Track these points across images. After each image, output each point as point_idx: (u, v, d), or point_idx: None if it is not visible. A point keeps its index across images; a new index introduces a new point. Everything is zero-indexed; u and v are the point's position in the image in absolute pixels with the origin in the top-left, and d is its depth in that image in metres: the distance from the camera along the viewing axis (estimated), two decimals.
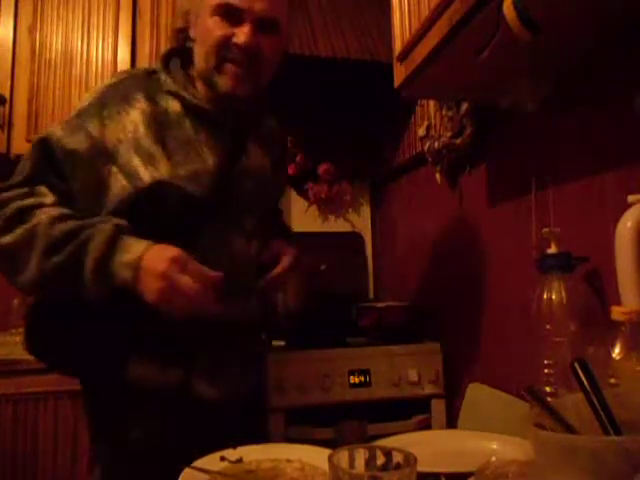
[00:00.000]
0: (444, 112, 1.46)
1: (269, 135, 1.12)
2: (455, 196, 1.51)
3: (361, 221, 2.30)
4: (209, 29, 0.93)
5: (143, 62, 1.92)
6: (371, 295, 2.24)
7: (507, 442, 0.85)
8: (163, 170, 0.90)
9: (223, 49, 0.93)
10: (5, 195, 0.87)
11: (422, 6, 1.00)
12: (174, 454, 0.77)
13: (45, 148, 0.90)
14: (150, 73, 0.99)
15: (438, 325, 1.61)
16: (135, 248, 0.81)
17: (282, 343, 1.51)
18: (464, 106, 1.35)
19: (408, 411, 1.44)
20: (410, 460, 0.53)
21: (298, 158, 2.10)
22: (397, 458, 0.54)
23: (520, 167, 1.18)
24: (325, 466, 0.56)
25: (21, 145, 1.82)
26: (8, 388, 1.53)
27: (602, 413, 0.51)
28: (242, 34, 0.92)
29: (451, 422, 1.41)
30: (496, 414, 1.12)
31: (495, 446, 0.85)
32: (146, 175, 0.89)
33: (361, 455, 0.56)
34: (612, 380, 0.62)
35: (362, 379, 1.43)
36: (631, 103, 0.83)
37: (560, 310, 0.83)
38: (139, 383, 0.91)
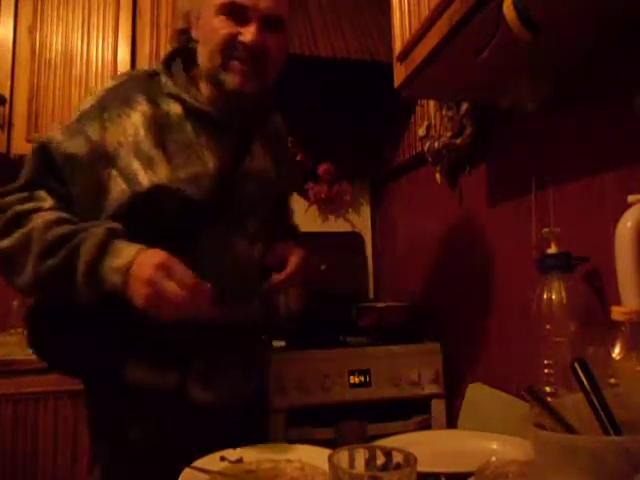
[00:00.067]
0: (444, 112, 1.46)
1: (274, 134, 1.11)
2: (455, 196, 1.52)
3: (361, 221, 2.30)
4: (214, 28, 0.93)
5: (143, 62, 1.92)
6: (371, 295, 2.24)
7: (507, 442, 0.85)
8: (162, 174, 0.90)
9: (229, 48, 0.92)
10: (5, 200, 0.88)
11: (422, 6, 1.00)
12: (174, 454, 0.77)
13: (45, 153, 0.90)
14: (151, 75, 0.99)
15: (438, 325, 1.61)
16: (126, 253, 0.80)
17: (282, 343, 1.51)
18: (464, 106, 1.35)
19: (408, 411, 1.44)
20: (410, 460, 0.53)
21: (298, 158, 2.10)
22: (397, 458, 0.54)
23: (520, 167, 1.18)
24: (325, 466, 0.56)
25: (21, 145, 1.82)
26: (8, 388, 1.53)
27: (602, 413, 0.51)
28: (249, 33, 0.91)
29: (451, 422, 1.41)
30: (496, 414, 1.12)
31: (495, 446, 0.85)
32: (145, 179, 0.89)
33: (361, 455, 0.56)
34: (612, 380, 0.62)
35: (362, 379, 1.43)
36: (631, 103, 0.83)
37: (560, 310, 0.83)
38: (137, 384, 0.91)
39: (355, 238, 2.25)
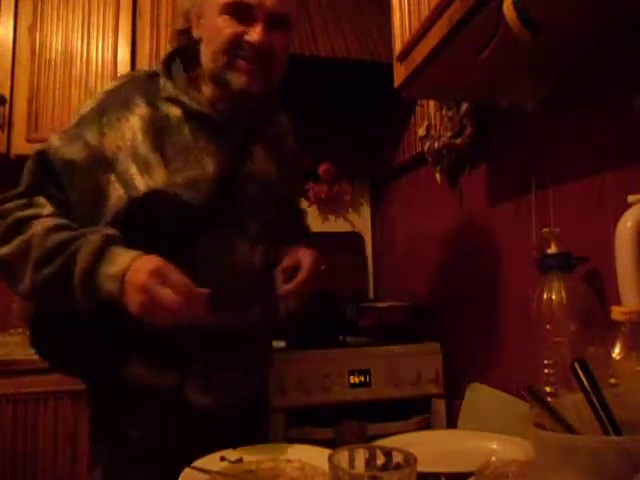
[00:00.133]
0: (444, 112, 1.46)
1: (277, 135, 1.09)
2: (455, 196, 1.51)
3: (361, 221, 2.30)
4: (218, 28, 0.91)
5: (143, 62, 1.92)
6: (371, 295, 2.24)
7: (507, 442, 0.85)
8: (159, 178, 0.89)
9: (234, 47, 0.91)
10: (5, 206, 0.88)
11: (422, 6, 1.00)
12: (174, 454, 0.77)
13: (43, 159, 0.90)
14: (152, 76, 0.97)
15: (438, 325, 1.61)
16: (121, 259, 0.80)
17: (282, 344, 1.51)
18: (464, 106, 1.35)
19: (408, 411, 1.44)
20: (410, 460, 0.53)
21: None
22: (397, 458, 0.54)
23: (520, 167, 1.18)
24: (325, 466, 0.56)
25: (21, 145, 1.82)
26: (8, 388, 1.53)
27: (602, 413, 0.51)
28: (255, 32, 0.90)
29: (451, 422, 1.41)
30: (496, 414, 1.12)
31: (495, 446, 0.85)
32: (141, 184, 0.88)
33: (361, 455, 0.56)
34: (612, 380, 0.62)
35: (362, 379, 1.43)
36: (631, 103, 0.83)
37: (560, 310, 0.83)
38: (137, 384, 0.91)
39: (355, 238, 2.25)
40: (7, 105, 1.82)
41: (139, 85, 0.95)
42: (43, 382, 1.51)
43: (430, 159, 1.54)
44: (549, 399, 0.60)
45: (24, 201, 0.88)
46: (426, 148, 1.53)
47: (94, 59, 1.92)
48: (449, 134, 1.42)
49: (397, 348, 1.49)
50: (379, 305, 1.72)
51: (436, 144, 1.47)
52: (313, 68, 1.69)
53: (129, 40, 1.94)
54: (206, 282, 0.89)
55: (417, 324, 1.62)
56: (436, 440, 0.92)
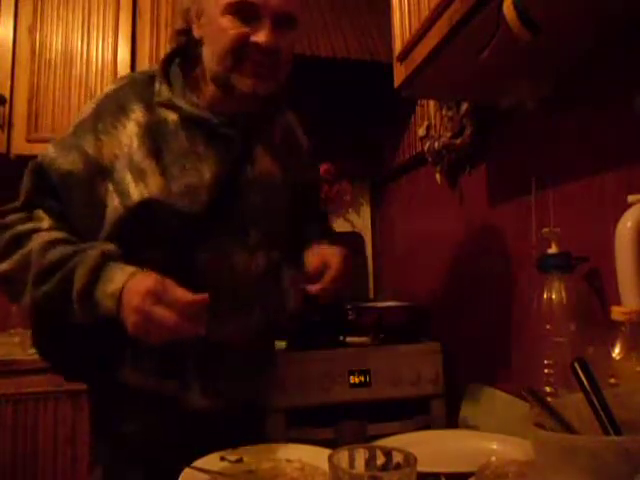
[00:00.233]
0: (444, 112, 1.46)
1: (283, 136, 1.06)
2: (455, 196, 1.51)
3: (361, 221, 2.30)
4: (222, 28, 0.87)
5: (143, 62, 1.92)
6: (371, 295, 2.24)
7: (507, 442, 0.85)
8: (154, 187, 0.87)
9: (240, 49, 0.87)
10: (5, 220, 0.87)
11: (422, 6, 1.00)
12: (174, 454, 0.77)
13: (39, 171, 0.89)
14: (152, 78, 0.95)
15: (438, 325, 1.61)
16: (119, 277, 0.79)
17: (282, 344, 1.51)
18: (464, 106, 1.35)
19: (408, 411, 1.44)
20: (410, 460, 0.53)
21: None
22: (397, 458, 0.54)
23: (520, 167, 1.18)
24: (325, 466, 0.56)
25: (21, 145, 1.83)
26: (8, 388, 1.53)
27: (602, 413, 0.51)
28: (262, 33, 0.86)
29: (451, 422, 1.41)
30: (496, 414, 1.12)
31: (495, 446, 0.85)
32: (135, 193, 0.86)
33: (361, 455, 0.56)
34: (612, 380, 0.62)
35: (362, 379, 1.43)
36: (631, 103, 0.83)
37: (560, 310, 0.83)
38: (136, 388, 0.91)
39: (355, 238, 2.25)
40: (7, 105, 1.82)
41: (137, 89, 0.93)
42: (43, 382, 1.51)
43: (430, 159, 1.54)
44: (549, 399, 0.60)
45: (23, 215, 0.88)
46: (426, 148, 1.53)
47: (94, 59, 1.92)
48: (449, 134, 1.42)
49: (397, 348, 1.48)
50: (379, 305, 1.72)
51: (436, 144, 1.47)
52: (313, 68, 1.69)
53: (129, 40, 1.94)
54: (204, 289, 0.89)
55: (417, 324, 1.62)
56: (436, 440, 0.92)
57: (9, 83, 1.84)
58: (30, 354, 1.41)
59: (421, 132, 1.64)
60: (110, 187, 0.87)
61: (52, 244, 0.83)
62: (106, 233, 0.87)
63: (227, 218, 0.93)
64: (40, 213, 0.88)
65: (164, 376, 0.91)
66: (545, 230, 0.91)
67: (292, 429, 1.36)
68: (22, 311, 0.89)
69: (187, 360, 0.92)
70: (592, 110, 0.95)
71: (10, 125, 1.83)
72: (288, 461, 0.79)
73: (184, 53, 0.97)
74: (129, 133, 0.88)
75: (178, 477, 0.73)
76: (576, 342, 0.79)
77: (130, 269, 0.80)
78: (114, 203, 0.87)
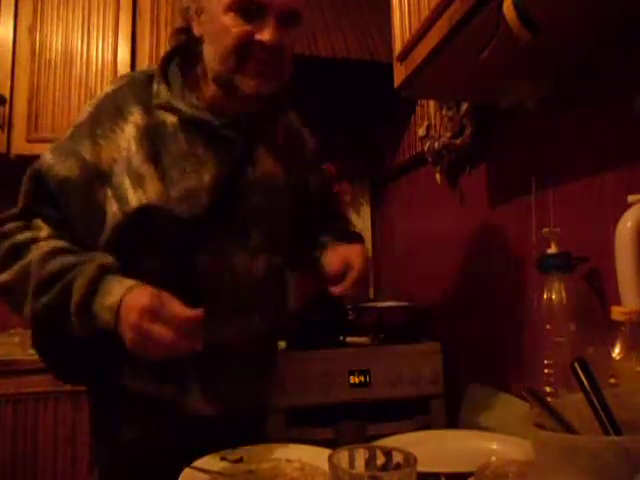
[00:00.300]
0: (444, 112, 1.46)
1: (285, 136, 1.04)
2: (455, 196, 1.51)
3: (361, 221, 2.30)
4: (225, 27, 0.85)
5: (143, 62, 1.92)
6: (371, 295, 2.24)
7: (507, 442, 0.85)
8: (152, 192, 0.85)
9: (244, 48, 0.85)
10: (3, 228, 0.86)
11: (422, 6, 1.00)
12: (173, 455, 0.77)
13: (37, 178, 0.88)
14: (151, 77, 0.93)
15: (438, 325, 1.61)
16: (117, 290, 0.78)
17: (283, 344, 1.51)
18: (464, 106, 1.35)
19: (408, 411, 1.44)
20: (410, 460, 0.53)
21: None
22: (397, 458, 0.54)
23: (520, 167, 1.18)
24: (325, 466, 0.56)
25: (21, 145, 1.83)
26: (8, 388, 1.53)
27: (602, 413, 0.51)
28: (267, 32, 0.84)
29: (451, 422, 1.41)
30: (496, 414, 1.12)
31: (495, 446, 0.85)
32: (134, 199, 0.85)
33: (361, 455, 0.56)
34: (612, 380, 0.62)
35: (362, 379, 1.43)
36: (631, 103, 0.83)
37: (560, 310, 0.83)
38: (135, 393, 0.91)
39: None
40: (7, 105, 1.82)
41: (135, 90, 0.91)
42: (43, 382, 1.51)
43: (430, 159, 1.54)
44: (549, 399, 0.60)
45: (21, 223, 0.87)
46: (426, 148, 1.53)
47: (94, 59, 1.92)
48: (449, 134, 1.42)
49: (397, 348, 1.49)
50: (379, 305, 1.72)
51: (436, 144, 1.47)
52: (313, 68, 1.69)
53: (129, 40, 1.95)
54: (204, 292, 0.89)
55: (417, 324, 1.62)
56: (436, 440, 0.92)
57: (9, 83, 1.84)
58: (30, 354, 1.41)
59: (421, 132, 1.64)
60: (109, 192, 0.86)
61: (51, 255, 0.82)
62: (106, 238, 0.86)
63: (228, 220, 0.91)
64: (38, 222, 0.87)
65: (163, 380, 0.90)
66: (545, 230, 0.91)
67: (292, 429, 1.36)
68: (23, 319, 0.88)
69: (186, 364, 0.91)
70: (592, 110, 0.95)
71: (10, 125, 1.83)
72: (288, 461, 0.79)
73: (184, 52, 0.95)
74: (127, 136, 0.87)
75: (178, 477, 0.73)
76: (576, 342, 0.79)
77: (128, 282, 0.79)
78: (113, 209, 0.86)
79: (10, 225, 0.87)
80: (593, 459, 0.43)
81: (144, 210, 0.85)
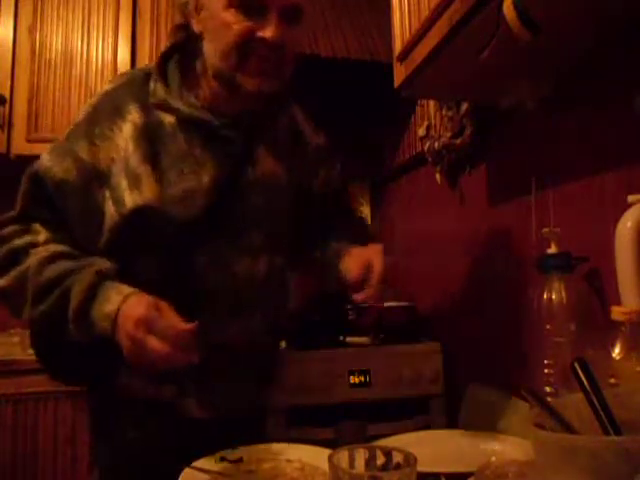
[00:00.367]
0: (444, 112, 1.46)
1: (288, 134, 1.02)
2: (455, 196, 1.51)
3: None
4: (226, 23, 0.83)
5: (143, 62, 1.92)
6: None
7: (507, 442, 0.85)
8: (149, 193, 0.84)
9: (245, 45, 0.83)
10: (2, 232, 0.86)
11: (422, 6, 1.00)
12: (173, 455, 0.77)
13: (34, 181, 0.87)
14: (149, 75, 0.91)
15: (438, 325, 1.61)
16: (115, 298, 0.77)
17: (283, 344, 1.51)
18: (464, 106, 1.35)
19: (408, 411, 1.44)
20: (410, 460, 0.53)
21: None
22: (397, 458, 0.54)
23: (520, 167, 1.18)
24: (325, 466, 0.56)
25: (21, 145, 1.83)
26: (8, 388, 1.53)
27: (602, 413, 0.51)
28: (269, 28, 0.82)
29: (451, 422, 1.41)
30: (496, 414, 1.12)
31: (495, 446, 0.85)
32: (129, 201, 0.84)
33: (361, 455, 0.56)
34: (612, 380, 0.62)
35: (362, 379, 1.43)
36: (631, 103, 0.83)
37: (560, 310, 0.83)
38: (133, 395, 0.90)
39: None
40: (7, 105, 1.82)
41: (133, 88, 0.90)
42: (43, 382, 1.51)
43: (430, 159, 1.54)
44: (549, 399, 0.60)
45: (20, 227, 0.86)
46: (426, 148, 1.53)
47: (94, 59, 1.92)
48: (449, 134, 1.42)
49: (397, 348, 1.49)
50: (379, 305, 1.72)
51: (436, 144, 1.47)
52: (313, 68, 1.69)
53: (129, 40, 1.95)
54: (203, 293, 0.89)
55: (417, 324, 1.62)
56: (436, 440, 0.92)
57: (9, 83, 1.84)
58: (30, 354, 1.41)
59: (421, 132, 1.64)
60: (107, 194, 0.85)
61: (49, 260, 0.82)
62: (105, 239, 0.86)
63: (227, 221, 0.90)
64: (36, 226, 0.86)
65: (162, 382, 0.90)
66: (545, 230, 0.91)
67: (292, 429, 1.36)
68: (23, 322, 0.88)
69: (185, 367, 0.88)
70: (592, 110, 0.95)
71: (10, 125, 1.83)
72: (288, 461, 0.80)
73: (183, 49, 0.94)
74: (125, 136, 0.86)
75: (177, 477, 0.73)
76: (576, 342, 0.79)
77: (126, 290, 0.79)
78: (110, 210, 0.85)
79: (9, 229, 0.86)
80: (593, 459, 0.43)
81: (140, 211, 0.84)
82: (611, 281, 0.78)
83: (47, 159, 0.87)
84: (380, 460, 0.55)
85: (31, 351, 0.95)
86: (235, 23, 0.83)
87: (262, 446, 0.85)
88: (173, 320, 0.75)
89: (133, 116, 0.87)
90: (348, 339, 1.56)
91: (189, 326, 0.73)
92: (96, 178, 0.86)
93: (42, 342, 0.92)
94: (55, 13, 1.91)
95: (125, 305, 0.77)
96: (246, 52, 0.84)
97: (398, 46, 1.12)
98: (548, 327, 0.83)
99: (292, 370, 1.39)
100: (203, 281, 0.89)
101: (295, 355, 1.43)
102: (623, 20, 0.83)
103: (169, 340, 0.73)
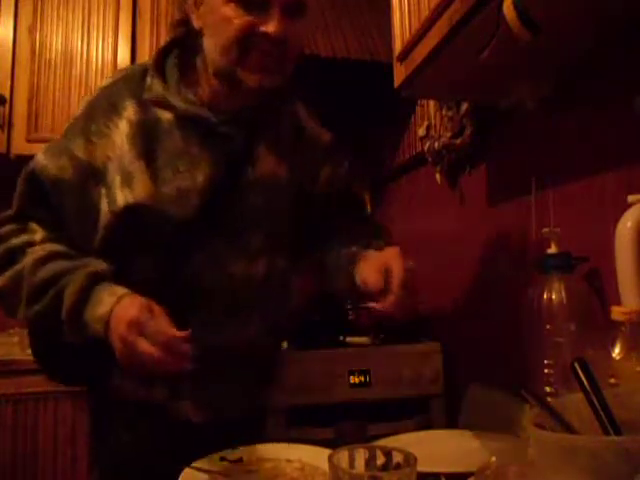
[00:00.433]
0: (444, 112, 1.46)
1: (290, 132, 0.99)
2: (455, 196, 1.51)
3: None
4: (226, 18, 0.81)
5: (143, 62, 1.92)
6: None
7: (507, 442, 0.85)
8: (140, 191, 0.83)
9: (246, 40, 0.81)
10: None
11: (422, 6, 1.00)
12: (172, 456, 0.76)
13: (30, 179, 0.87)
14: (146, 71, 0.90)
15: (438, 325, 1.61)
16: (108, 300, 0.77)
17: (283, 344, 1.51)
18: (464, 106, 1.35)
19: (408, 411, 1.44)
20: (410, 460, 0.53)
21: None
22: (397, 458, 0.54)
23: (520, 167, 1.18)
24: (325, 466, 0.56)
25: (21, 145, 1.83)
26: (8, 388, 1.53)
27: (602, 413, 0.51)
28: (271, 23, 0.81)
29: (451, 422, 1.41)
30: (496, 414, 1.12)
31: (495, 446, 0.85)
32: (121, 199, 0.83)
33: (361, 455, 0.56)
34: (612, 380, 0.62)
35: (362, 379, 1.43)
36: (631, 103, 0.83)
37: (560, 310, 0.83)
38: (126, 396, 0.89)
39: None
40: (7, 105, 1.82)
41: (131, 84, 0.88)
42: (43, 382, 1.51)
43: (430, 159, 1.54)
44: (549, 399, 0.60)
45: (16, 226, 0.86)
46: (426, 148, 1.53)
47: (94, 59, 1.92)
48: (449, 134, 1.42)
49: (397, 348, 1.49)
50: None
51: (436, 144, 1.47)
52: (313, 68, 1.69)
53: (129, 40, 1.95)
54: (199, 292, 0.88)
55: (417, 324, 1.62)
56: (436, 440, 0.92)
57: (9, 83, 1.84)
58: (29, 354, 1.41)
59: (421, 132, 1.64)
60: (103, 191, 0.85)
61: (45, 260, 0.81)
62: (100, 237, 0.85)
63: (225, 222, 0.89)
64: (33, 225, 0.86)
65: (153, 384, 0.88)
66: (545, 230, 0.91)
67: (292, 429, 1.36)
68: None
69: (178, 371, 0.87)
70: (592, 110, 0.95)
71: (10, 125, 1.83)
72: (288, 461, 0.79)
73: (183, 45, 0.92)
74: (122, 133, 0.85)
75: (178, 477, 0.73)
76: (576, 342, 0.79)
77: (119, 291, 0.78)
78: (105, 208, 0.84)
79: (6, 228, 0.86)
80: (593, 459, 0.43)
81: (131, 210, 0.83)
82: (611, 281, 0.78)
83: (43, 158, 0.87)
84: (380, 460, 0.55)
85: (30, 351, 0.94)
86: (235, 17, 0.81)
87: (262, 446, 0.85)
88: (165, 325, 0.74)
89: (129, 113, 0.86)
90: (348, 339, 1.56)
91: (181, 333, 0.72)
92: (92, 176, 0.85)
93: (38, 342, 0.92)
94: (55, 13, 1.91)
95: (118, 307, 0.76)
96: (247, 47, 0.82)
97: (398, 46, 1.12)
98: (548, 327, 0.83)
99: (292, 370, 1.39)
100: (199, 280, 0.88)
101: (295, 355, 1.43)
102: (623, 20, 0.83)
103: (159, 344, 0.72)
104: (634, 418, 0.51)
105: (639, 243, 0.71)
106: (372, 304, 0.81)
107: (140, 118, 0.86)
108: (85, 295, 0.78)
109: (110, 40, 1.94)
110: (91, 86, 1.90)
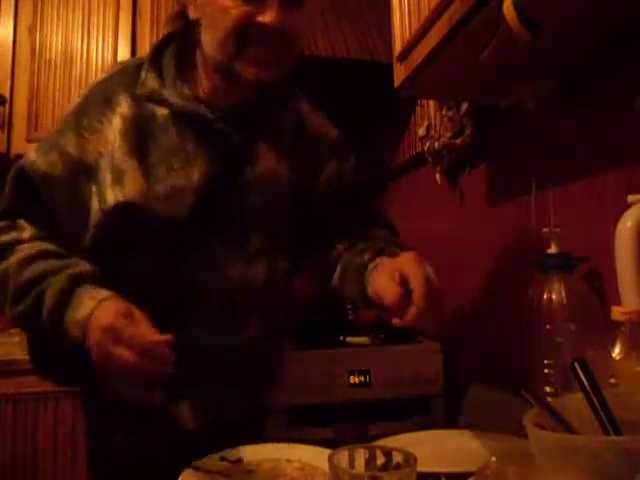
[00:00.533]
0: (444, 112, 1.46)
1: (292, 129, 0.96)
2: (455, 196, 1.51)
3: None
4: (223, 8, 0.79)
5: None
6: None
7: (507, 442, 0.85)
8: (131, 189, 0.81)
9: (244, 31, 0.79)
10: None
11: (422, 6, 1.00)
12: (167, 459, 0.75)
13: (20, 176, 0.85)
14: (141, 65, 0.87)
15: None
16: (88, 303, 0.75)
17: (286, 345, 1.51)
18: (464, 106, 1.35)
19: (408, 411, 1.44)
20: (410, 460, 0.53)
21: None
22: (397, 458, 0.54)
23: (520, 167, 1.18)
24: (325, 466, 0.56)
25: (21, 145, 1.83)
26: (8, 388, 1.53)
27: (602, 413, 0.51)
28: (269, 13, 0.78)
29: (451, 422, 1.41)
30: (496, 414, 1.12)
31: (495, 446, 0.85)
32: (111, 197, 0.81)
33: (361, 455, 0.56)
34: (612, 380, 0.62)
35: (362, 379, 1.43)
36: (631, 103, 0.83)
37: (560, 310, 0.83)
38: (122, 398, 0.87)
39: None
40: (7, 105, 1.82)
41: (126, 79, 0.86)
42: (43, 382, 1.50)
43: (430, 159, 1.54)
44: (549, 399, 0.60)
45: (6, 223, 0.85)
46: (426, 148, 1.53)
47: (94, 59, 1.93)
48: (449, 134, 1.42)
49: (397, 348, 1.48)
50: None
51: (436, 144, 1.47)
52: (313, 68, 1.69)
53: (129, 40, 1.95)
54: (195, 293, 0.86)
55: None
56: (436, 440, 0.91)
57: (9, 83, 1.84)
58: None
59: (421, 132, 1.64)
60: (94, 188, 0.83)
61: (30, 259, 0.80)
62: (90, 236, 0.83)
63: (222, 222, 0.86)
64: (22, 223, 0.84)
65: (150, 388, 0.87)
66: (545, 230, 0.91)
67: (292, 429, 1.36)
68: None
69: (175, 373, 0.83)
70: (592, 110, 0.95)
71: (10, 125, 1.83)
72: (288, 461, 0.79)
73: (181, 39, 0.90)
74: (114, 129, 0.83)
75: (177, 477, 0.73)
76: (576, 342, 0.79)
77: (100, 294, 0.76)
78: (95, 206, 0.82)
79: None
80: (593, 459, 0.43)
81: (122, 208, 0.81)
82: (611, 281, 0.79)
83: (33, 154, 0.85)
84: (380, 460, 0.55)
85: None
86: (233, 8, 0.79)
87: (262, 446, 0.85)
88: (144, 329, 0.72)
89: (123, 108, 0.84)
90: (348, 339, 1.56)
91: (161, 337, 0.71)
92: (83, 172, 0.83)
93: (30, 341, 0.91)
94: (55, 13, 1.91)
95: (98, 311, 0.74)
96: (244, 39, 0.80)
97: (398, 46, 1.12)
98: (548, 327, 0.83)
99: (292, 370, 1.39)
100: (195, 281, 0.86)
101: (295, 355, 1.43)
102: (623, 20, 0.83)
103: (135, 349, 0.70)
104: (634, 418, 0.51)
105: (639, 243, 0.71)
106: (394, 320, 0.73)
107: (134, 113, 0.84)
108: (66, 298, 0.76)
109: (110, 40, 1.94)
110: None
